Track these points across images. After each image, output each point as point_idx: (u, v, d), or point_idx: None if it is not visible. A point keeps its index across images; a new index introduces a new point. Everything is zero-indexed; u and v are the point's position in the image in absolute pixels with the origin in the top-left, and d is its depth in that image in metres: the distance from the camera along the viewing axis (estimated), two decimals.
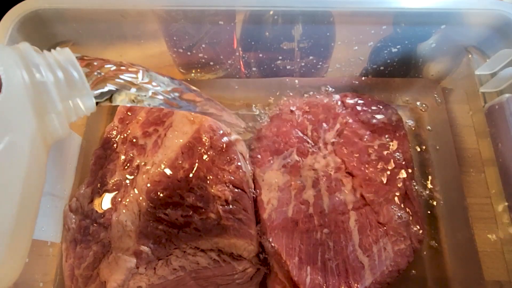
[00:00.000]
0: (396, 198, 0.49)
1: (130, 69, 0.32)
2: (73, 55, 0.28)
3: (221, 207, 0.46)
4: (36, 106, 0.25)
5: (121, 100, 0.31)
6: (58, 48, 0.28)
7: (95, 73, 0.30)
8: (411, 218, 0.49)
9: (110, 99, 0.31)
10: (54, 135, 0.27)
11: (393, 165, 0.52)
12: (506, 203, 0.47)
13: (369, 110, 0.56)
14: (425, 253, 0.52)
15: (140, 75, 0.33)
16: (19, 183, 0.24)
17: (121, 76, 0.31)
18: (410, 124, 0.59)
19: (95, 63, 0.30)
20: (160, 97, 0.34)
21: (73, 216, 0.48)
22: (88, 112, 0.29)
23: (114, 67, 0.31)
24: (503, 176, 0.48)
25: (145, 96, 0.33)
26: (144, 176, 0.48)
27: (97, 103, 0.30)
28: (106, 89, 0.30)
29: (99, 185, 0.49)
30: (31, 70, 0.25)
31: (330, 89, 0.60)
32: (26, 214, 0.25)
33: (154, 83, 0.33)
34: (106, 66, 0.31)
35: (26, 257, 0.26)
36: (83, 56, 0.29)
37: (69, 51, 0.28)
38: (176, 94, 0.35)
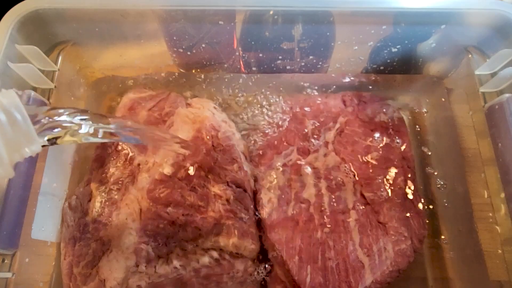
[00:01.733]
0: (396, 198, 0.49)
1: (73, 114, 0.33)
2: (16, 97, 0.28)
3: (222, 206, 0.46)
4: None
5: (66, 141, 0.32)
6: (3, 90, 0.28)
7: (43, 120, 0.30)
8: (411, 218, 0.49)
9: (55, 141, 0.32)
10: None
11: (394, 164, 0.52)
12: (506, 203, 0.47)
13: (370, 109, 0.56)
14: (425, 253, 0.52)
15: (84, 122, 0.33)
16: None
17: (65, 123, 0.32)
18: (411, 123, 0.59)
19: (45, 111, 0.31)
20: (100, 133, 0.34)
21: (73, 214, 0.48)
22: (33, 154, 0.30)
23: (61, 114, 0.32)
24: (503, 176, 0.48)
25: (87, 134, 0.33)
26: (145, 174, 0.48)
27: (43, 145, 0.30)
28: (51, 134, 0.31)
29: (99, 183, 0.49)
30: None
31: (331, 88, 0.61)
32: None
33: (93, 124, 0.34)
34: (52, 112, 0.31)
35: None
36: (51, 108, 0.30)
37: (14, 93, 0.28)
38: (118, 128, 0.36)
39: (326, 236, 0.47)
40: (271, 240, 0.46)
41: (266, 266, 0.48)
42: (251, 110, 0.60)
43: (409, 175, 0.52)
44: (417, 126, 0.59)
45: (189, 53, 0.57)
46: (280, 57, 0.58)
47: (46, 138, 0.30)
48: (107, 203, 0.47)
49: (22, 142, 0.28)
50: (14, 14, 0.47)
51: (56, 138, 0.31)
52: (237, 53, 0.59)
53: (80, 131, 0.32)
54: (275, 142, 0.53)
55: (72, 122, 0.32)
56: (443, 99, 0.59)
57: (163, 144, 0.44)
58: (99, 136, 0.34)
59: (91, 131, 0.33)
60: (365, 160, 0.52)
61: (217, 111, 0.55)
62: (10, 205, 0.44)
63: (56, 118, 0.31)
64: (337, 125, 0.54)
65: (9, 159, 0.28)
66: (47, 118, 0.30)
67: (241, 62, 0.60)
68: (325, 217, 0.48)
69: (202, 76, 0.61)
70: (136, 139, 0.37)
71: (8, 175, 0.28)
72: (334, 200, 0.49)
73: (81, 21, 0.51)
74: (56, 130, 0.31)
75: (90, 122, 0.33)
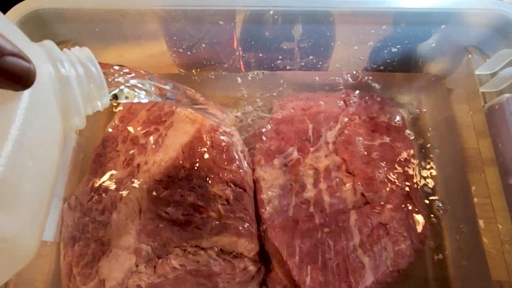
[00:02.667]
0: (397, 198, 0.49)
1: (136, 74, 0.36)
2: (91, 53, 0.30)
3: (222, 206, 0.46)
4: (59, 98, 0.27)
5: (125, 97, 0.35)
6: (77, 47, 0.30)
7: (109, 79, 0.33)
8: (412, 218, 0.49)
9: (117, 97, 0.34)
10: (72, 126, 0.29)
11: (394, 164, 0.52)
12: (506, 203, 0.47)
13: (371, 109, 0.56)
14: (426, 253, 0.52)
15: (142, 79, 0.37)
16: (45, 167, 0.26)
17: (131, 81, 0.35)
18: (411, 122, 0.59)
19: (111, 70, 0.34)
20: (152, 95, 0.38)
21: (72, 214, 0.48)
22: (102, 108, 0.32)
23: (123, 73, 0.35)
24: (503, 176, 0.48)
25: (142, 93, 0.37)
26: (144, 175, 0.48)
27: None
28: (116, 90, 0.34)
29: (98, 183, 0.49)
30: (56, 65, 0.27)
31: (331, 88, 0.60)
32: (47, 196, 0.27)
33: (149, 84, 0.38)
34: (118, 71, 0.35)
35: (41, 239, 0.27)
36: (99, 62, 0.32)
37: (87, 49, 0.30)
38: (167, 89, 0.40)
39: (326, 236, 0.47)
40: (271, 240, 0.46)
41: (266, 266, 0.48)
42: (251, 110, 0.60)
43: (409, 175, 0.52)
44: (417, 126, 0.59)
45: (189, 53, 0.57)
46: (280, 57, 0.58)
47: (112, 94, 0.33)
48: (106, 203, 0.47)
49: (95, 95, 0.30)
50: (14, 14, 0.47)
51: (117, 95, 0.34)
52: (237, 53, 0.59)
53: (140, 91, 0.36)
54: (275, 142, 0.53)
55: (136, 86, 0.35)
56: (443, 99, 0.59)
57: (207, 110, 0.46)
58: (154, 96, 0.38)
59: (151, 89, 0.37)
60: (366, 160, 0.51)
61: (217, 111, 0.55)
62: None
63: (118, 77, 0.34)
64: (338, 125, 0.54)
65: (84, 111, 0.30)
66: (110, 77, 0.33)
67: (241, 62, 0.60)
68: (325, 217, 0.48)
69: (202, 76, 0.61)
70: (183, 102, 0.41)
71: (81, 126, 0.30)
72: (334, 200, 0.49)
73: (81, 21, 0.51)
74: (120, 87, 0.34)
75: (150, 82, 0.37)
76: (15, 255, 0.24)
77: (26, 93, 0.23)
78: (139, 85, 0.36)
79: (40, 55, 0.26)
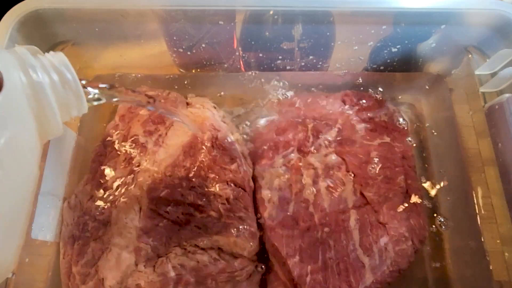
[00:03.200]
0: (397, 197, 0.49)
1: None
2: (65, 58, 0.29)
3: (221, 205, 0.46)
4: (33, 106, 0.26)
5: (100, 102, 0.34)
6: (51, 52, 0.30)
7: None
8: (412, 218, 0.49)
9: (93, 102, 0.33)
10: (49, 134, 0.29)
11: (394, 164, 0.52)
12: (506, 203, 0.47)
13: (371, 109, 0.56)
14: (426, 253, 0.51)
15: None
16: (18, 177, 0.25)
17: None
18: (411, 122, 0.59)
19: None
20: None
21: (72, 213, 0.48)
22: (80, 113, 0.31)
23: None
24: (503, 176, 0.48)
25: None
26: (145, 174, 0.48)
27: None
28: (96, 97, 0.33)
29: (98, 182, 0.49)
30: (27, 72, 0.26)
31: (331, 87, 0.60)
32: (20, 209, 0.27)
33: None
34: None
35: (18, 254, 0.27)
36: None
37: (62, 54, 0.30)
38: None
39: (326, 236, 0.47)
40: (271, 239, 0.46)
41: (266, 266, 0.48)
42: (251, 109, 0.60)
43: (410, 175, 0.52)
44: (417, 126, 0.59)
45: (189, 53, 0.57)
46: (280, 57, 0.58)
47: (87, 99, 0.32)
48: (106, 202, 0.47)
49: (72, 102, 0.30)
50: (14, 14, 0.47)
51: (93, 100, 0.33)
52: (237, 53, 0.59)
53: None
54: (275, 141, 0.53)
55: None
56: (443, 99, 0.59)
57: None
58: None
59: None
60: (365, 160, 0.51)
61: (217, 111, 0.56)
62: None
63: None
64: (337, 125, 0.54)
65: (61, 118, 0.29)
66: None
67: (241, 62, 0.60)
68: (325, 216, 0.48)
69: (202, 76, 0.62)
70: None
71: (58, 133, 0.29)
72: (334, 199, 0.49)
73: (81, 21, 0.51)
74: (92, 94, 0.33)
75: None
76: None
77: None
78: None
79: (10, 61, 0.26)
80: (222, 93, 0.61)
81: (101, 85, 0.33)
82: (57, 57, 0.29)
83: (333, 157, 0.52)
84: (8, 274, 0.25)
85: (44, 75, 0.27)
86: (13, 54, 0.27)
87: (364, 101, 0.57)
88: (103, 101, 0.33)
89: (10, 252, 0.26)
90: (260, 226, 0.49)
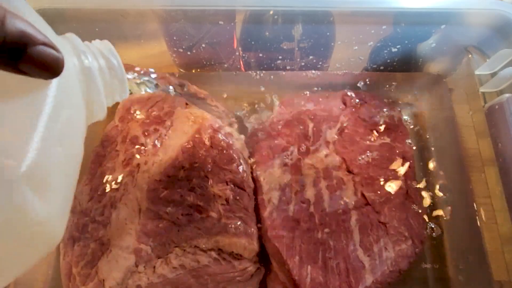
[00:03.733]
0: (397, 198, 0.49)
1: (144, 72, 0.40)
2: (111, 45, 0.31)
3: (221, 206, 0.46)
4: (83, 89, 0.28)
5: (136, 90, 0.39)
6: (97, 40, 0.31)
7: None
8: (412, 218, 0.49)
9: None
10: (94, 117, 0.30)
11: (395, 164, 0.52)
12: (506, 203, 0.47)
13: (371, 109, 0.56)
14: (426, 253, 0.52)
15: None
16: (76, 152, 0.27)
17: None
18: (411, 122, 0.59)
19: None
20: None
21: (71, 214, 0.48)
22: (121, 99, 0.33)
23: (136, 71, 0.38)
24: (503, 176, 0.48)
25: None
26: (144, 174, 0.48)
27: None
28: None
29: (98, 183, 0.49)
30: (80, 57, 0.28)
31: (331, 87, 0.60)
32: (74, 177, 0.29)
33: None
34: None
35: (67, 222, 0.28)
36: None
37: (108, 42, 0.31)
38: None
39: (327, 236, 0.47)
40: (271, 240, 0.46)
41: (266, 266, 0.48)
42: (250, 109, 0.60)
43: (410, 175, 0.52)
44: (417, 126, 0.59)
45: (189, 53, 0.57)
46: (280, 57, 0.58)
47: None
48: (106, 203, 0.47)
49: (116, 87, 0.32)
50: None
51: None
52: (237, 53, 0.59)
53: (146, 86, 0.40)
54: (275, 141, 0.53)
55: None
56: (443, 99, 0.59)
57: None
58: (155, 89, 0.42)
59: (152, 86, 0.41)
60: (366, 160, 0.51)
61: (217, 111, 0.55)
62: None
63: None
64: (338, 125, 0.54)
65: (106, 102, 0.31)
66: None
67: (241, 62, 0.60)
68: (325, 217, 0.48)
69: (202, 76, 0.61)
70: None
71: (103, 116, 0.31)
72: (334, 200, 0.49)
73: (81, 21, 0.51)
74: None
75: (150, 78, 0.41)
76: (46, 238, 0.25)
77: (54, 82, 0.23)
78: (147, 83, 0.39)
79: (65, 46, 0.27)
80: (222, 93, 0.61)
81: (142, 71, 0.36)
82: (103, 44, 0.31)
83: (334, 157, 0.52)
84: (59, 241, 0.26)
85: (94, 60, 0.29)
86: (66, 39, 0.28)
87: (364, 101, 0.57)
88: (149, 89, 0.37)
89: (65, 220, 0.27)
90: (260, 227, 0.49)
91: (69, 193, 0.27)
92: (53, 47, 0.22)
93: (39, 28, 0.21)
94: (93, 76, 0.28)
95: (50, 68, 0.22)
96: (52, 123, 0.23)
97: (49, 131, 0.22)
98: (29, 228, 0.22)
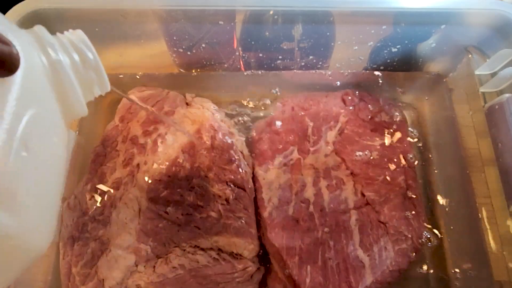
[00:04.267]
0: (397, 197, 0.49)
1: None
2: (84, 35, 0.29)
3: (221, 205, 0.46)
4: (54, 86, 0.26)
5: None
6: (70, 30, 0.29)
7: None
8: (412, 218, 0.49)
9: None
10: (72, 114, 0.28)
11: (394, 164, 0.52)
12: (506, 203, 0.47)
13: (371, 108, 0.56)
14: (426, 252, 0.51)
15: None
16: (46, 158, 0.25)
17: None
18: (411, 122, 0.59)
19: None
20: None
21: (71, 214, 0.48)
22: (103, 92, 0.31)
23: None
24: (503, 176, 0.48)
25: None
26: (144, 174, 0.48)
27: None
28: None
29: (98, 182, 0.49)
30: (46, 51, 0.25)
31: (331, 87, 0.60)
32: (54, 184, 0.27)
33: None
34: None
35: (53, 231, 0.27)
36: None
37: (81, 32, 0.29)
38: None
39: (327, 236, 0.47)
40: (271, 240, 0.46)
41: (266, 266, 0.48)
42: (251, 109, 0.60)
43: (410, 175, 0.52)
44: (417, 126, 0.59)
45: (189, 53, 0.57)
46: (280, 57, 0.58)
47: None
48: (106, 202, 0.47)
49: (94, 81, 0.29)
50: (14, 14, 0.47)
51: None
52: (237, 53, 0.59)
53: None
54: (275, 141, 0.53)
55: None
56: (443, 99, 0.59)
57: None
58: None
59: None
60: (366, 160, 0.51)
61: (217, 111, 0.56)
62: None
63: None
64: (338, 125, 0.54)
65: (84, 97, 0.29)
66: None
67: (241, 62, 0.60)
68: (325, 216, 0.48)
69: (202, 76, 0.61)
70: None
71: (83, 113, 0.29)
72: (334, 199, 0.49)
73: (81, 21, 0.51)
74: None
75: None
76: (25, 251, 0.23)
77: (17, 80, 0.22)
78: None
79: (28, 41, 0.25)
80: (222, 93, 0.61)
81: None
82: (76, 35, 0.28)
83: (334, 157, 0.52)
84: (42, 251, 0.25)
85: (64, 54, 0.26)
86: (32, 34, 0.26)
87: (364, 101, 0.57)
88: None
89: (47, 229, 0.26)
90: (260, 227, 0.49)
91: (49, 200, 0.26)
92: (2, 41, 0.20)
93: None
94: (63, 70, 0.26)
95: (2, 64, 0.20)
96: (14, 125, 0.21)
97: (11, 134, 0.20)
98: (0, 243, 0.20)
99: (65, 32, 0.28)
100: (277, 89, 0.61)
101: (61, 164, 0.27)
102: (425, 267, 0.51)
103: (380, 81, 0.61)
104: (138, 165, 0.49)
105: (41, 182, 0.25)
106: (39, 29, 0.27)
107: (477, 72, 0.53)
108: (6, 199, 0.20)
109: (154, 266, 0.44)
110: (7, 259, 0.22)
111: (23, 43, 0.23)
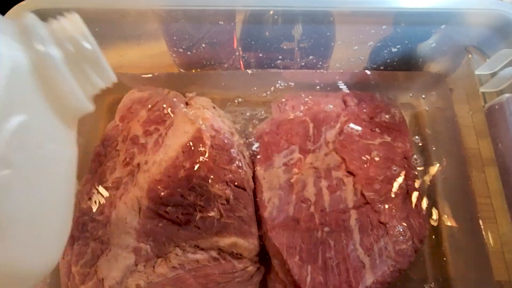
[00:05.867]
0: (397, 197, 0.49)
1: None
2: (83, 24, 0.25)
3: (221, 205, 0.46)
4: (45, 82, 0.23)
5: None
6: (65, 14, 0.26)
7: None
8: (412, 218, 0.49)
9: None
10: (74, 111, 0.25)
11: (395, 164, 0.51)
12: (506, 203, 0.47)
13: (371, 109, 0.56)
14: (427, 253, 0.51)
15: None
16: (48, 170, 0.22)
17: None
18: (411, 122, 0.59)
19: None
20: None
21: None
22: (109, 83, 0.28)
23: None
24: (503, 176, 0.48)
25: None
26: (144, 174, 0.48)
27: None
28: None
29: (98, 182, 0.49)
30: (32, 44, 0.22)
31: (332, 87, 0.60)
32: (55, 197, 0.23)
33: None
34: None
35: (61, 251, 0.24)
36: None
37: (78, 19, 0.25)
38: None
39: (327, 236, 0.47)
40: (271, 239, 0.46)
41: (266, 266, 0.48)
42: (251, 109, 0.60)
43: (410, 175, 0.52)
44: (417, 126, 0.59)
45: (189, 53, 0.57)
46: (280, 57, 0.58)
47: None
48: (106, 202, 0.47)
49: (94, 74, 0.26)
50: (14, 14, 0.47)
51: None
52: (237, 53, 0.59)
53: None
54: (276, 141, 0.53)
55: None
56: (443, 99, 0.59)
57: None
58: None
59: None
60: (366, 160, 0.51)
61: (217, 111, 0.56)
62: None
63: None
64: (338, 125, 0.54)
65: (83, 92, 0.25)
66: None
67: (241, 62, 0.60)
68: (325, 216, 0.48)
69: (202, 76, 0.62)
70: None
71: (86, 109, 0.26)
72: (334, 199, 0.49)
73: None
74: None
75: None
76: (17, 278, 0.21)
77: None
78: None
79: (12, 33, 0.22)
80: (222, 93, 0.61)
81: None
82: (72, 23, 0.25)
83: (334, 156, 0.52)
84: (40, 277, 0.23)
85: (54, 46, 0.23)
86: (17, 25, 0.23)
87: (364, 100, 0.57)
88: None
89: (44, 255, 0.23)
90: (260, 226, 0.49)
91: (50, 220, 0.22)
92: None
93: None
94: (54, 64, 0.23)
95: None
96: None
97: None
98: None
99: (59, 18, 0.25)
100: (277, 90, 0.61)
101: (65, 174, 0.24)
102: (425, 268, 0.51)
103: (380, 81, 0.61)
104: (138, 164, 0.49)
105: (36, 201, 0.21)
106: (29, 20, 0.23)
107: (477, 72, 0.53)
108: None
109: (154, 266, 0.44)
110: (5, 284, 0.20)
111: (2, 37, 0.21)
